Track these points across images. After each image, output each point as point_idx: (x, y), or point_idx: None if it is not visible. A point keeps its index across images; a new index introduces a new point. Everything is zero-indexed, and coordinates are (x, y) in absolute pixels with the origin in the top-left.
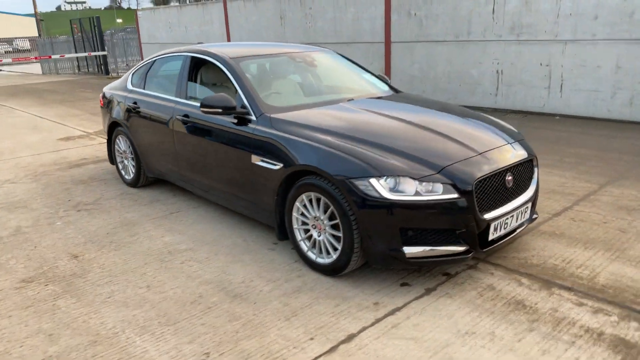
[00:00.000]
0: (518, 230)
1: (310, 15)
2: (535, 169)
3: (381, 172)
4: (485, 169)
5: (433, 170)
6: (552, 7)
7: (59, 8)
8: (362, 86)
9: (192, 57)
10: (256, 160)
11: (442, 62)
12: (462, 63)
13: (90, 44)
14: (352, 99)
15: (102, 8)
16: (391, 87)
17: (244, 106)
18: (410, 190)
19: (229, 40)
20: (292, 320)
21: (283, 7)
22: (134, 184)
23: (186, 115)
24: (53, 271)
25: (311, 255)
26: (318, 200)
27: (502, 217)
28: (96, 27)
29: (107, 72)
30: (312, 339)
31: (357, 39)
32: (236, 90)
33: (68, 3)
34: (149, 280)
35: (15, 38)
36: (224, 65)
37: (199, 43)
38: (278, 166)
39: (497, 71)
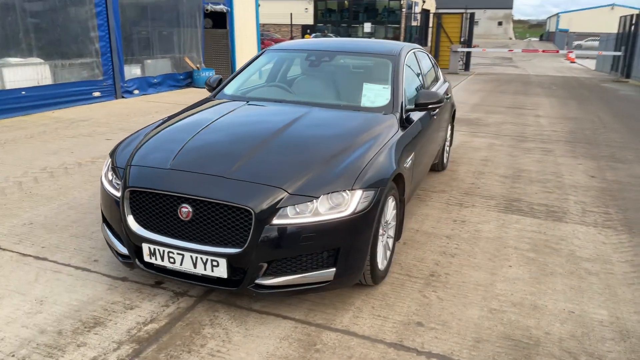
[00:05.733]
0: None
1: None
2: (252, 227)
3: (111, 154)
4: (151, 183)
5: (124, 165)
6: None
7: None
8: (340, 96)
9: None
10: None
11: None
12: None
13: (625, 41)
14: (282, 102)
15: None
16: (399, 108)
17: None
18: (109, 177)
19: None
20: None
21: None
22: None
23: None
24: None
25: None
26: None
27: (163, 245)
28: (634, 25)
29: (628, 75)
30: None
31: None
32: None
33: None
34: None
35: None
36: None
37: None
38: None
39: None
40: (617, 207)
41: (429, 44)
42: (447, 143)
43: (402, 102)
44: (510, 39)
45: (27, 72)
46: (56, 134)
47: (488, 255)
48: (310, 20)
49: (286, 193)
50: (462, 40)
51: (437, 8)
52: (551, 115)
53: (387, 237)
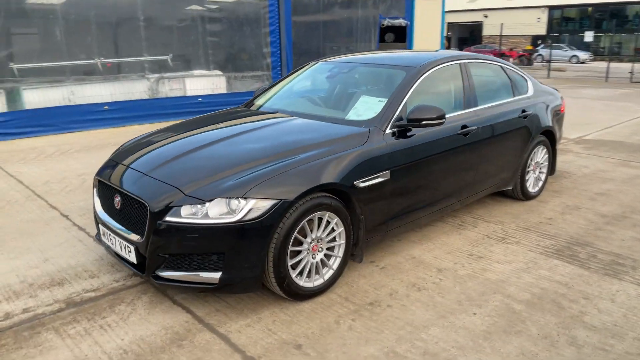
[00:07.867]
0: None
1: None
2: (147, 220)
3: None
4: (107, 174)
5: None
6: None
7: None
8: (333, 108)
9: None
10: None
11: None
12: None
13: None
14: (275, 112)
15: None
16: (385, 123)
17: None
18: None
19: None
20: None
21: None
22: None
23: None
24: None
25: None
26: None
27: (106, 227)
28: None
29: None
30: None
31: None
32: None
33: None
34: None
35: None
36: None
37: None
38: None
39: None
40: None
41: None
42: (539, 170)
43: (392, 117)
44: None
45: (205, 82)
46: None
47: (462, 297)
48: (542, 30)
49: (182, 194)
50: None
51: None
52: None
53: (327, 255)
